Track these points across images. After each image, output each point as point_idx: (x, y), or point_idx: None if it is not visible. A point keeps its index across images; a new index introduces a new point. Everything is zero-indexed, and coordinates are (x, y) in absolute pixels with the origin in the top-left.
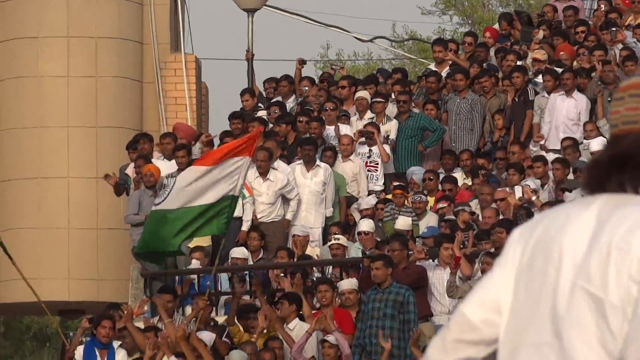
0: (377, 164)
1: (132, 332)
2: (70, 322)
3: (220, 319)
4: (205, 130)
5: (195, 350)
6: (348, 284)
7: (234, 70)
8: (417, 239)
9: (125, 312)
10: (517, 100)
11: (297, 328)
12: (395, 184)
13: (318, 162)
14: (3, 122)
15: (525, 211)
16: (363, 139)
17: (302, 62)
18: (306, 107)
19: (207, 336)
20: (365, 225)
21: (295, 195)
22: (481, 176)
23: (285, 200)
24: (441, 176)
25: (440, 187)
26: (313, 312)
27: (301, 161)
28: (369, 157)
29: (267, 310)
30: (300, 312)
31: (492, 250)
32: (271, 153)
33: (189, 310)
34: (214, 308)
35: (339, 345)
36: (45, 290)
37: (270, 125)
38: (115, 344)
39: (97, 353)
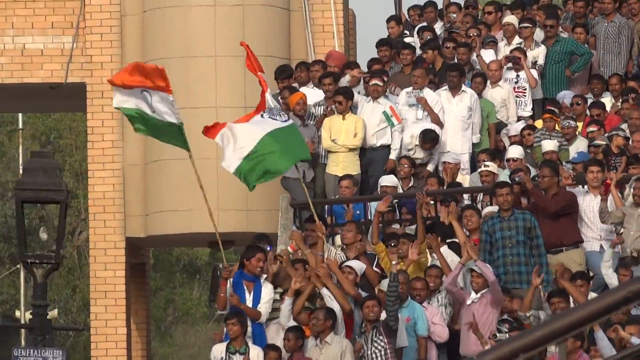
0: (525, 89)
1: (292, 275)
2: (219, 254)
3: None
4: (354, 58)
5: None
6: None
7: None
8: (566, 164)
9: (284, 257)
10: None
11: (443, 256)
12: (547, 108)
13: (464, 87)
14: (149, 52)
15: None
16: (510, 65)
17: None
18: (453, 32)
19: (357, 265)
20: (514, 151)
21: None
22: (631, 100)
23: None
24: (589, 101)
25: (588, 112)
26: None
27: (446, 87)
28: (516, 82)
29: (430, 238)
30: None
31: None
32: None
33: (338, 240)
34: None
35: (484, 274)
36: (194, 222)
37: (419, 52)
38: (262, 277)
39: (244, 284)
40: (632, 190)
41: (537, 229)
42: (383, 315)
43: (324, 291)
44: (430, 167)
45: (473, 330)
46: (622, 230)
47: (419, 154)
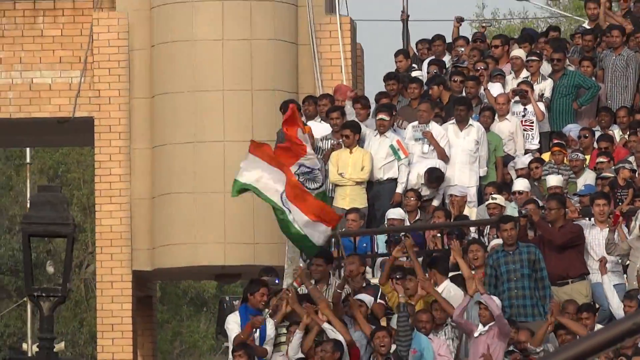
0: (532, 122)
1: (298, 312)
2: (227, 287)
3: (374, 280)
4: (362, 92)
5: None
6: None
7: (389, 31)
8: (573, 196)
9: (290, 294)
10: None
11: (445, 290)
12: (555, 141)
13: (471, 121)
14: (157, 86)
15: None
16: (517, 98)
17: (459, 20)
18: (460, 66)
19: (366, 298)
20: (520, 184)
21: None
22: (639, 133)
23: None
24: (597, 134)
25: (596, 144)
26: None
27: (454, 120)
28: (523, 115)
29: (421, 281)
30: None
31: None
32: (432, 105)
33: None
34: (368, 269)
35: (489, 307)
36: (201, 255)
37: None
38: (265, 312)
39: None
40: (638, 223)
41: (542, 261)
42: (392, 347)
43: (325, 325)
44: (435, 202)
45: None
46: (628, 262)
47: (425, 192)
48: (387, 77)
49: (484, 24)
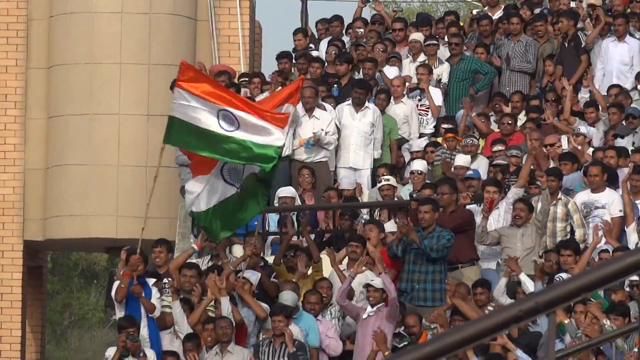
0: (429, 107)
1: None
2: (118, 259)
3: (269, 259)
4: (258, 69)
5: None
6: (392, 225)
7: (288, 10)
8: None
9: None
10: (566, 45)
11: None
12: (445, 126)
13: (367, 103)
14: (54, 57)
15: (571, 158)
16: (414, 86)
17: (365, 1)
18: (360, 46)
19: (253, 276)
20: (418, 164)
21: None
22: (531, 121)
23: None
24: (492, 119)
25: (493, 128)
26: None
27: (350, 102)
28: (419, 99)
29: (328, 252)
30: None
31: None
32: (317, 90)
33: (236, 249)
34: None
35: (385, 288)
36: (93, 227)
37: (326, 65)
38: (150, 280)
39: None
40: (513, 211)
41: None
42: (295, 329)
43: (224, 300)
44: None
45: (377, 342)
46: (502, 249)
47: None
48: (280, 56)
49: (395, 9)
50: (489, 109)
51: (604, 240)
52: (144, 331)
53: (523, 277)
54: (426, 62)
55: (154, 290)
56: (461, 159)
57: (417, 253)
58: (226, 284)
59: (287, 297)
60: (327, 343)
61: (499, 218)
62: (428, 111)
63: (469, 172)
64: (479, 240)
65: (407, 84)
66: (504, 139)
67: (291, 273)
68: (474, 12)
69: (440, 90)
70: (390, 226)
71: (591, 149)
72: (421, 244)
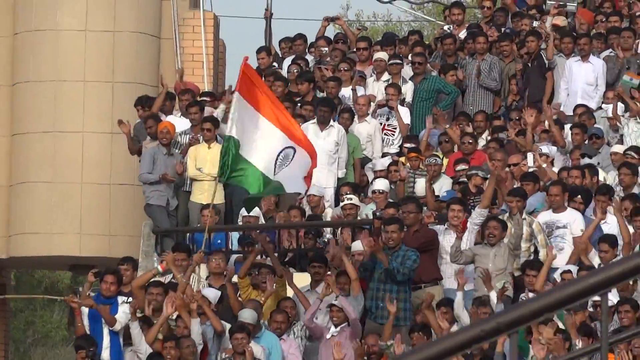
0: (396, 128)
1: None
2: (82, 278)
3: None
4: (222, 88)
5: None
6: (359, 245)
7: (252, 28)
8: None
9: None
10: (530, 65)
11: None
12: (407, 145)
13: (332, 122)
14: (18, 75)
15: (533, 178)
16: (384, 103)
17: (329, 20)
18: (322, 66)
19: (212, 293)
20: (381, 184)
21: None
22: (495, 141)
23: None
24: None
25: (455, 149)
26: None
27: (315, 120)
28: (387, 119)
29: (284, 272)
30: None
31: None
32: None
33: (202, 268)
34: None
35: (345, 310)
36: (57, 245)
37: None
38: (120, 299)
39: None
40: (486, 229)
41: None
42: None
43: (194, 322)
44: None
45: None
46: (475, 268)
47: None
48: (259, 51)
49: (359, 27)
50: (452, 129)
51: (565, 260)
52: (105, 353)
53: (493, 295)
54: (390, 81)
55: (125, 307)
56: (420, 186)
57: (382, 272)
58: (186, 299)
59: (246, 315)
60: None
61: (464, 238)
62: (394, 131)
63: (443, 195)
64: (452, 260)
65: (372, 103)
66: (466, 159)
67: (255, 290)
68: (445, 27)
69: (407, 109)
70: (357, 245)
71: (556, 169)
72: (389, 264)
